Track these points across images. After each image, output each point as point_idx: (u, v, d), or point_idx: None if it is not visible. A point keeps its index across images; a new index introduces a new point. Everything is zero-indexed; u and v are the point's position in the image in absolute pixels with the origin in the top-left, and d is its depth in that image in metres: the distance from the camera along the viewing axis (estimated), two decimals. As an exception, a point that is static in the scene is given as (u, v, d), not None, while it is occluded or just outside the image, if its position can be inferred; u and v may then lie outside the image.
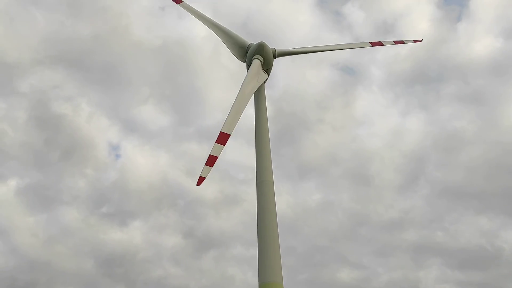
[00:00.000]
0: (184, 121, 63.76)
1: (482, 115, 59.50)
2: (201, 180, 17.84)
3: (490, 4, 66.65)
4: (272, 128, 21.61)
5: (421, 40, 28.29)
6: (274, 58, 23.29)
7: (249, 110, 21.72)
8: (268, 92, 22.83)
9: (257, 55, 22.69)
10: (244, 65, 23.78)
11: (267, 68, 22.93)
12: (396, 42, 26.98)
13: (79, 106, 59.46)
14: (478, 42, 65.86)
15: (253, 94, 22.07)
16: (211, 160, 18.13)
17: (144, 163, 61.79)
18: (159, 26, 64.61)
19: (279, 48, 23.76)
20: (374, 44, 26.26)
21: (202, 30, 63.78)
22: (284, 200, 52.16)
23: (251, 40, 24.05)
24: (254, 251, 18.54)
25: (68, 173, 55.91)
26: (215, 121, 60.95)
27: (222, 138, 18.61)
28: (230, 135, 18.86)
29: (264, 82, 22.80)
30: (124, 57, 60.82)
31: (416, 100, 65.28)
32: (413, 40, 27.89)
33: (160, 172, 59.59)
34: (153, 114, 62.56)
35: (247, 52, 23.46)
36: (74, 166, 56.46)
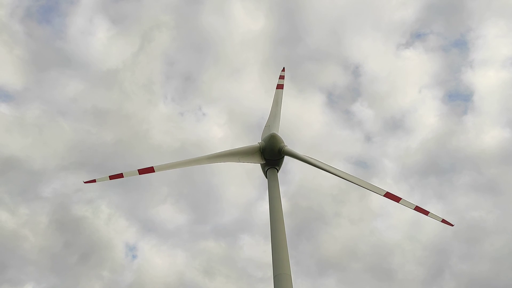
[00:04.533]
0: (201, 219, 64.24)
1: (499, 205, 58.99)
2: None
3: (493, 97, 69.69)
4: (289, 223, 21.21)
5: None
6: None
7: (265, 206, 22.16)
8: (283, 188, 23.19)
9: (281, 144, 23.39)
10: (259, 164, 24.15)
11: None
12: None
13: (99, 208, 60.79)
14: (487, 134, 67.55)
15: (267, 186, 22.70)
16: (421, 210, 21.25)
17: (160, 263, 61.21)
18: (178, 130, 68.13)
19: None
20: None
21: (219, 132, 67.20)
22: (304, 298, 50.19)
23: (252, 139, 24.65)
24: None
25: (85, 276, 55.46)
26: (232, 218, 61.30)
27: (391, 195, 21.49)
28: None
29: (278, 170, 23.43)
30: (144, 159, 63.34)
31: (432, 191, 65.39)
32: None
33: (177, 272, 58.72)
34: (171, 213, 63.32)
35: (262, 151, 23.55)
36: (91, 269, 56.20)
